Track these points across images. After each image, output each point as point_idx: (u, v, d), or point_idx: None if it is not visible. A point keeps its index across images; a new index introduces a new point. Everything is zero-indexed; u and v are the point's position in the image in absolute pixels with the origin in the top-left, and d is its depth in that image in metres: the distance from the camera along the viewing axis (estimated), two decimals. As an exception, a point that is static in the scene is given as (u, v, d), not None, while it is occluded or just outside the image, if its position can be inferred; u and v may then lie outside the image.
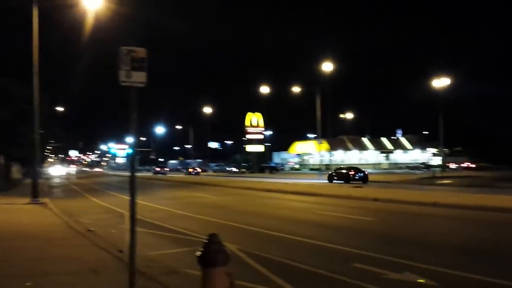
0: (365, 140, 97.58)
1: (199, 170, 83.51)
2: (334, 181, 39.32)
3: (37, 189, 22.44)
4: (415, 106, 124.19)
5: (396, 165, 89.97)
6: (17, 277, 7.67)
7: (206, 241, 4.89)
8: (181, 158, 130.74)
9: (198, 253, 4.85)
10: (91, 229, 13.39)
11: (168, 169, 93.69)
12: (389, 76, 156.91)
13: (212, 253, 4.82)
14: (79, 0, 22.11)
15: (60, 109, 48.92)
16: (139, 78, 6.76)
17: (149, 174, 79.94)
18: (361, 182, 37.40)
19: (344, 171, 40.49)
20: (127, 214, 17.43)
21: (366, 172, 40.22)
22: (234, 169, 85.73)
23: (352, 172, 39.46)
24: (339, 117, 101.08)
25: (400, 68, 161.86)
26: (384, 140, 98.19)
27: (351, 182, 37.35)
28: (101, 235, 12.48)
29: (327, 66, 53.99)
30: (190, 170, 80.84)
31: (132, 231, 6.74)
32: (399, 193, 24.09)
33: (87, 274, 7.90)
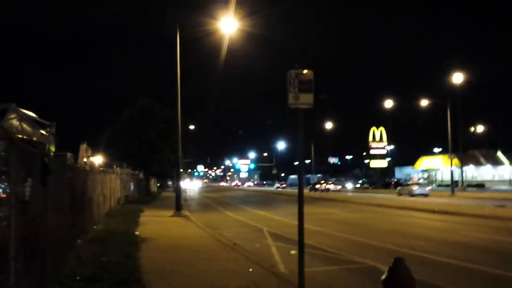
0: (499, 154, 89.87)
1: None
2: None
3: (180, 203, 23.99)
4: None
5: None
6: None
7: (392, 265, 4.83)
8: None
9: (383, 276, 4.80)
10: (236, 243, 13.95)
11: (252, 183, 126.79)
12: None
13: (399, 278, 4.73)
14: (216, 28, 23.38)
15: (192, 127, 52.32)
16: (306, 99, 6.96)
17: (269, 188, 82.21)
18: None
19: None
20: (265, 229, 18.03)
21: None
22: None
23: None
24: (469, 131, 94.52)
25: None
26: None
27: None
28: (248, 249, 12.93)
29: (458, 77, 51.03)
30: (317, 186, 73.93)
31: (301, 254, 6.91)
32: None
33: (252, 289, 8.24)
